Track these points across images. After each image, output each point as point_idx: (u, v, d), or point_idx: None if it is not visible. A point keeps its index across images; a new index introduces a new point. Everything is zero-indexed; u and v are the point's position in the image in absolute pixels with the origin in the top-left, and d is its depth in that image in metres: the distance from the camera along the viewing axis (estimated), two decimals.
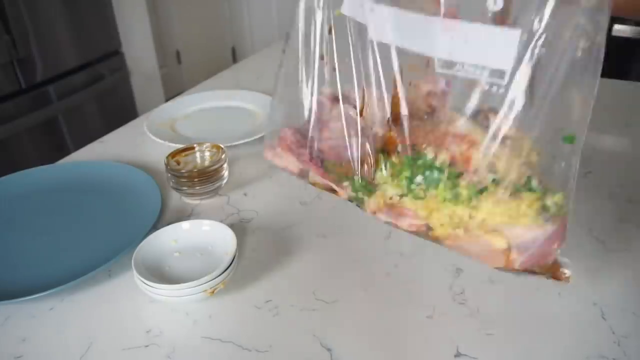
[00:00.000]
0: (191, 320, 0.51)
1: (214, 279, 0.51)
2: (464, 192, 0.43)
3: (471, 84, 0.41)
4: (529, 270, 0.45)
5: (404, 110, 0.45)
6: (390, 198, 0.47)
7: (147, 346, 0.49)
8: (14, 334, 0.51)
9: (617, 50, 1.93)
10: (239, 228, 0.65)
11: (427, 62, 0.43)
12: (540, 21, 0.37)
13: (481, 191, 0.42)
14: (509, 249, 0.44)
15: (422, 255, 0.59)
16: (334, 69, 0.50)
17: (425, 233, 0.48)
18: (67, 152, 0.86)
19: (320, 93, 0.52)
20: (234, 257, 0.54)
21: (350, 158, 0.49)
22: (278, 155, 0.57)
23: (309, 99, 0.52)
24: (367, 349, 0.48)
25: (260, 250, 0.61)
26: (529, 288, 0.54)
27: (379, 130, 0.48)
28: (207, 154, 0.73)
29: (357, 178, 0.49)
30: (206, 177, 0.68)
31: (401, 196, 0.47)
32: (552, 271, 0.44)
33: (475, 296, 0.53)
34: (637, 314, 0.50)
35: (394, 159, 0.47)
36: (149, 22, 2.39)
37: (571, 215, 0.42)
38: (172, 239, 0.58)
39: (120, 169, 0.76)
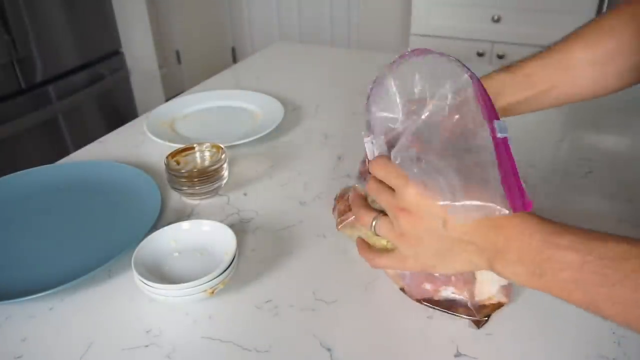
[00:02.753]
0: (191, 320, 0.51)
1: (213, 279, 0.51)
2: None
3: None
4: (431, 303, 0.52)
5: None
6: None
7: (147, 346, 0.49)
8: (14, 334, 0.51)
9: None
10: (239, 228, 0.65)
11: None
12: None
13: None
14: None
15: None
16: None
17: None
18: (67, 152, 0.86)
19: None
20: (233, 257, 0.54)
21: None
22: None
23: None
24: (367, 349, 0.48)
25: (260, 250, 0.61)
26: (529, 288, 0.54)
27: None
28: (207, 154, 0.73)
29: None
30: (206, 177, 0.68)
31: None
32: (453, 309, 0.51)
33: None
34: None
35: None
36: (149, 22, 2.39)
37: None
38: (171, 239, 0.58)
39: (120, 169, 0.76)
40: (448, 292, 0.51)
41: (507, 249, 0.40)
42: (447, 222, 0.40)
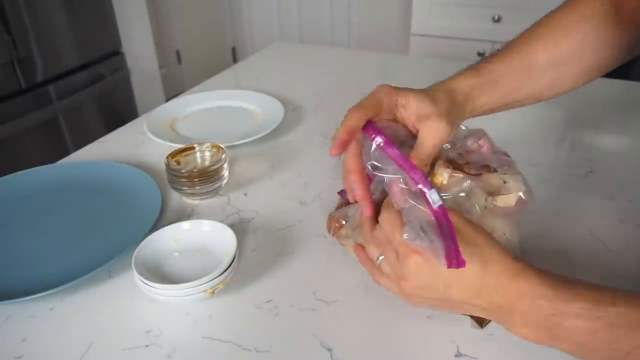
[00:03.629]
0: (191, 320, 0.51)
1: (214, 279, 0.51)
2: None
3: None
4: None
5: None
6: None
7: (147, 346, 0.49)
8: (14, 334, 0.51)
9: None
10: (239, 228, 0.65)
11: None
12: None
13: None
14: None
15: None
16: None
17: None
18: (67, 152, 0.86)
19: None
20: (234, 257, 0.54)
21: None
22: None
23: None
24: (367, 349, 0.48)
25: (260, 250, 0.61)
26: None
27: None
28: (207, 154, 0.73)
29: None
30: (206, 177, 0.68)
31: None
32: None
33: None
34: None
35: None
36: (149, 22, 2.39)
37: None
38: (172, 239, 0.58)
39: (120, 169, 0.76)
40: None
41: (512, 312, 0.41)
42: (449, 288, 0.42)
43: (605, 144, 0.85)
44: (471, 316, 0.50)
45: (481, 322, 0.49)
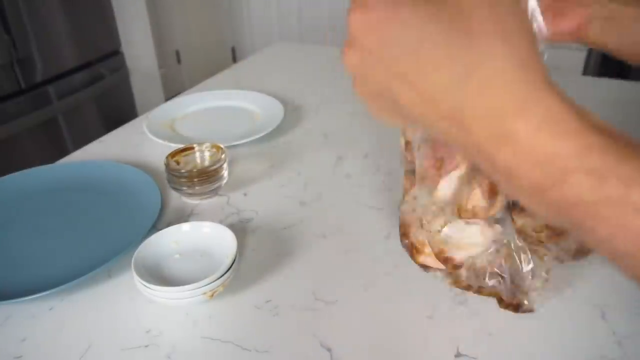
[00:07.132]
0: (191, 321, 0.51)
1: (213, 282, 0.51)
2: None
3: None
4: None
5: None
6: None
7: (146, 346, 0.49)
8: (14, 334, 0.51)
9: None
10: (239, 228, 0.65)
11: None
12: None
13: None
14: None
15: None
16: None
17: None
18: (67, 152, 0.86)
19: None
20: (233, 260, 0.54)
21: None
22: None
23: None
24: (367, 349, 0.48)
25: (260, 250, 0.61)
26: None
27: None
28: (207, 154, 0.73)
29: None
30: (206, 177, 0.68)
31: None
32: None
33: (475, 296, 0.53)
34: (638, 314, 0.50)
35: None
36: (149, 22, 2.39)
37: None
38: (172, 241, 0.58)
39: (120, 169, 0.76)
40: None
41: (469, 77, 0.26)
42: (421, 46, 0.27)
43: None
44: (500, 299, 0.49)
45: (512, 306, 0.49)
